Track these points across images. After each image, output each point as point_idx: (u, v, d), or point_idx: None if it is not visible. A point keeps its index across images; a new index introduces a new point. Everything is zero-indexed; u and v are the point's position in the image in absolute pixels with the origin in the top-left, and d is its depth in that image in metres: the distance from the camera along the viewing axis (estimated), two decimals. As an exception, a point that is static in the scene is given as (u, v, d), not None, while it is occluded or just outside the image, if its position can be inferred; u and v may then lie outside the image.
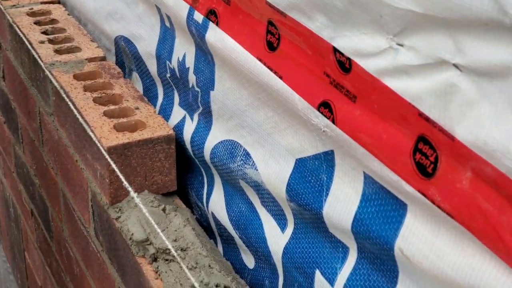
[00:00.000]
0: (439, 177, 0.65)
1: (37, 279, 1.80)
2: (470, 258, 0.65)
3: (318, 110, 0.79)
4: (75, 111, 1.17)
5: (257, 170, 0.95)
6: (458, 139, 0.63)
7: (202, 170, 1.12)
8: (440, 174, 0.65)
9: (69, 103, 1.19)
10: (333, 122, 0.77)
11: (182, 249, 0.98)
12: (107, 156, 1.07)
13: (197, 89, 1.07)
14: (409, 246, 0.71)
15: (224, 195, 1.06)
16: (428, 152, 0.66)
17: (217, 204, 1.08)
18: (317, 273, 0.87)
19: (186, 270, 0.88)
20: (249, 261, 1.03)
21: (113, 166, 1.06)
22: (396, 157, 0.70)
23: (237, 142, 1.00)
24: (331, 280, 0.84)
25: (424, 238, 0.70)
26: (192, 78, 1.07)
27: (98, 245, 1.22)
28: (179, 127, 1.15)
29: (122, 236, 1.08)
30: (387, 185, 0.73)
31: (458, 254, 0.66)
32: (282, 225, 0.94)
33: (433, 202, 0.67)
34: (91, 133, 1.11)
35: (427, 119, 0.66)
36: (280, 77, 0.85)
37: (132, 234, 1.03)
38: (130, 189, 1.01)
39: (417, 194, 0.68)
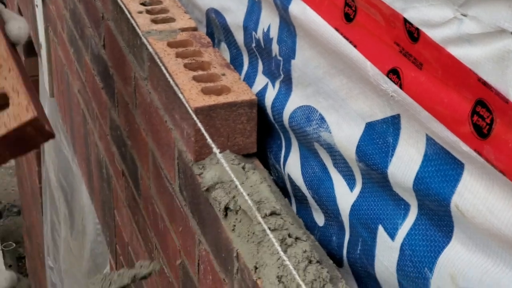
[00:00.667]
0: (494, 137, 0.71)
1: (124, 236, 1.93)
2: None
3: (387, 76, 0.86)
4: (167, 75, 1.27)
5: (330, 133, 1.02)
6: (512, 102, 0.68)
7: (281, 134, 1.20)
8: (494, 135, 0.71)
9: (162, 68, 1.29)
10: (400, 87, 0.84)
11: (257, 202, 1.06)
12: (194, 116, 1.16)
13: (279, 58, 1.15)
14: (464, 202, 0.77)
15: (300, 157, 1.14)
16: (485, 115, 0.72)
17: (293, 165, 1.16)
18: (380, 228, 0.94)
19: (260, 219, 0.97)
20: (319, 219, 1.11)
21: (199, 125, 1.15)
22: (456, 119, 0.76)
23: (314, 108, 1.07)
24: (392, 235, 0.91)
25: (479, 194, 0.76)
26: (275, 48, 1.15)
27: (182, 200, 1.32)
28: (261, 94, 1.23)
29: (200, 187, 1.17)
30: (447, 146, 0.79)
31: (509, 209, 0.72)
32: (351, 185, 1.01)
33: (488, 161, 0.72)
34: (180, 95, 1.21)
35: (485, 83, 0.71)
36: (355, 46, 0.92)
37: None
38: (213, 146, 1.10)
39: (473, 153, 0.74)
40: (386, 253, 0.92)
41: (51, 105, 2.96)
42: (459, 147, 0.76)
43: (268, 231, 0.98)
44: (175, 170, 1.33)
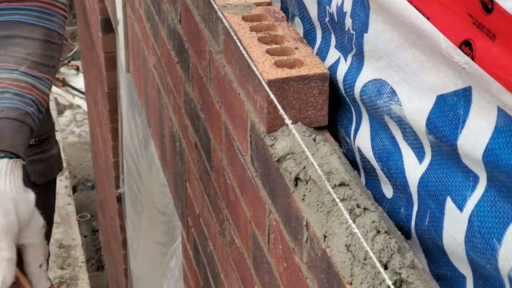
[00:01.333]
0: None
1: (195, 208, 1.98)
2: None
3: (460, 48, 0.87)
4: (241, 48, 1.30)
5: (401, 106, 1.03)
6: None
7: (352, 107, 1.22)
8: None
9: (237, 41, 1.32)
10: (472, 59, 0.85)
11: (326, 173, 1.08)
12: (267, 88, 1.19)
13: (352, 32, 1.16)
14: (533, 174, 0.78)
15: (370, 130, 1.15)
16: (557, 86, 0.73)
17: (363, 138, 1.17)
18: (448, 200, 0.95)
19: (330, 188, 0.99)
20: (388, 191, 1.12)
21: (272, 97, 1.18)
22: (527, 91, 0.76)
23: (385, 81, 1.08)
24: (461, 206, 0.92)
25: None
26: (348, 22, 1.16)
27: (253, 171, 1.36)
28: (333, 68, 1.25)
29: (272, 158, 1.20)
30: (517, 117, 0.80)
31: None
32: (420, 157, 1.02)
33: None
34: (254, 68, 1.23)
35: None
36: (428, 19, 0.92)
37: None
38: (286, 117, 1.13)
39: (543, 125, 0.75)
40: (454, 225, 0.94)
41: (127, 80, 3.04)
42: (531, 119, 0.77)
43: (337, 201, 1.01)
44: (247, 142, 1.36)
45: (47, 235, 2.15)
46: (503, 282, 0.86)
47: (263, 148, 1.27)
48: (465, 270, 0.95)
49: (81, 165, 7.47)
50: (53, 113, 4.72)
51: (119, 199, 4.20)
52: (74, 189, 6.89)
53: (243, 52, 1.28)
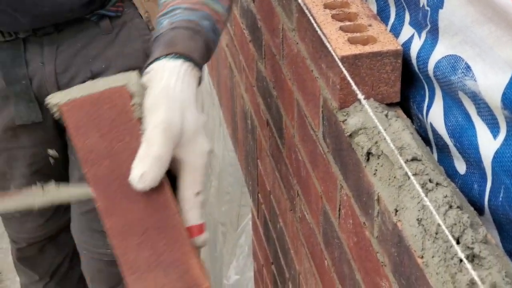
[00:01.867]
0: None
1: (266, 185, 2.00)
2: None
3: (537, 22, 0.86)
4: (315, 25, 1.31)
5: (476, 81, 1.03)
6: None
7: (425, 83, 1.22)
8: None
9: (310, 18, 1.33)
10: (550, 33, 0.84)
11: (398, 148, 1.09)
12: (340, 65, 1.20)
13: (427, 8, 1.16)
14: None
15: (443, 107, 1.16)
16: None
17: (436, 114, 1.18)
18: (524, 176, 0.95)
19: (402, 163, 1.00)
20: (461, 167, 1.12)
21: (345, 73, 1.19)
22: None
23: (460, 56, 1.08)
24: (535, 182, 0.92)
25: None
26: (423, -2, 1.17)
27: (325, 147, 1.37)
28: (406, 44, 1.25)
29: (346, 136, 1.21)
30: None
31: None
32: (495, 133, 1.02)
33: None
34: (327, 44, 1.25)
35: None
36: (505, -7, 0.92)
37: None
38: (358, 93, 1.14)
39: None
40: (528, 200, 0.94)
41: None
42: None
43: (410, 175, 1.02)
44: (319, 118, 1.38)
45: None
46: None
47: (335, 124, 1.28)
48: (538, 246, 0.95)
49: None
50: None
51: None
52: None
53: (317, 29, 1.30)
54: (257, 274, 2.37)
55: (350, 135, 1.20)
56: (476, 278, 0.86)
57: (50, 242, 2.33)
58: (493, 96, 0.99)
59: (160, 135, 1.08)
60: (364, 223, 1.21)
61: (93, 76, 1.86)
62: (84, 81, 1.86)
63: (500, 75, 0.98)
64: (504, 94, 0.97)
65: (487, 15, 0.99)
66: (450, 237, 0.93)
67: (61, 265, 2.41)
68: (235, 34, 2.15)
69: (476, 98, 1.05)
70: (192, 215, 1.11)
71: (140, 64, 1.90)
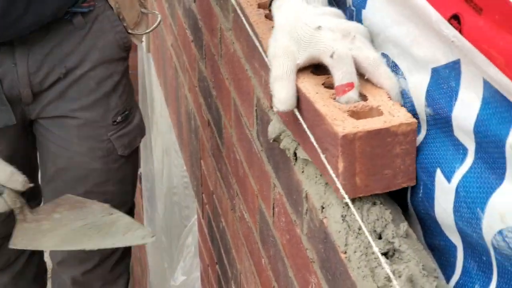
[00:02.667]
0: (542, 79, 0.74)
1: (209, 185, 2.01)
2: None
3: (449, 22, 0.89)
4: (247, 25, 1.33)
5: (405, 79, 1.06)
6: (560, 43, 0.71)
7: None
8: (543, 77, 0.74)
9: (243, 18, 1.35)
10: (460, 32, 0.87)
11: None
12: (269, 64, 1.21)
13: (352, 8, 1.18)
14: (517, 143, 0.80)
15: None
16: (535, 57, 0.75)
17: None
18: (438, 172, 0.97)
19: (324, 160, 1.02)
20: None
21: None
22: (508, 62, 0.78)
23: (387, 54, 1.10)
24: (449, 178, 0.95)
25: None
26: (350, -2, 1.19)
27: (259, 146, 1.39)
28: (338, 43, 1.27)
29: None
30: (501, 89, 0.82)
31: None
32: (417, 133, 1.05)
33: (536, 102, 0.75)
34: (258, 44, 1.26)
35: (537, 26, 0.74)
36: (421, -7, 0.94)
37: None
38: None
39: (524, 95, 0.77)
40: (444, 196, 0.96)
41: (147, 60, 3.08)
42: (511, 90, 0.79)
43: (331, 173, 1.03)
44: (253, 117, 1.39)
45: (134, 192, 2.24)
46: (488, 250, 0.89)
47: (267, 123, 1.30)
48: (456, 239, 0.98)
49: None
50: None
51: (140, 178, 4.26)
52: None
53: (249, 28, 1.31)
54: (203, 274, 2.38)
55: (275, 140, 1.21)
56: (389, 272, 0.89)
57: (8, 239, 2.29)
58: (420, 93, 1.02)
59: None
60: (295, 220, 1.23)
61: (68, 72, 1.88)
62: (58, 78, 1.88)
63: (422, 73, 1.01)
64: (427, 91, 0.99)
65: (405, 15, 1.01)
66: (367, 233, 0.95)
67: (17, 261, 2.37)
68: (179, 34, 2.16)
69: (404, 97, 1.07)
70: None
71: (114, 56, 1.91)
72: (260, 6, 1.39)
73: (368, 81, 1.09)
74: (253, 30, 1.31)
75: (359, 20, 1.16)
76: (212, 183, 1.97)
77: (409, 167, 1.02)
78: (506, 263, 0.87)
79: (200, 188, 2.17)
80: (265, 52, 1.24)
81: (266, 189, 1.38)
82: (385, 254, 1.00)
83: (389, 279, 0.92)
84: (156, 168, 3.30)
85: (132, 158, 2.08)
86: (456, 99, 0.93)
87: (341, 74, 1.03)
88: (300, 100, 1.09)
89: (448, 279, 1.02)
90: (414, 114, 1.04)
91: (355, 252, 1.00)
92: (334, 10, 1.11)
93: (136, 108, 2.07)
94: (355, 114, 1.03)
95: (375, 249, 0.92)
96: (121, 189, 2.08)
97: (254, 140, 1.41)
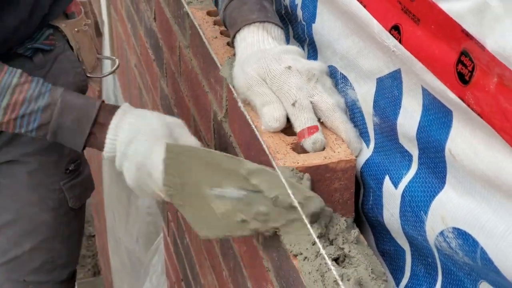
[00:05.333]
0: (474, 84, 0.77)
1: (174, 202, 2.03)
2: (496, 152, 0.76)
3: (390, 32, 0.92)
4: (205, 41, 1.36)
5: (354, 90, 1.09)
6: (488, 49, 0.74)
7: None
8: (474, 81, 0.77)
9: (201, 34, 1.38)
10: (400, 42, 0.90)
11: (273, 154, 1.13)
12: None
13: (303, 22, 1.22)
14: (456, 147, 0.84)
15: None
16: (467, 63, 0.78)
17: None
18: (386, 179, 1.00)
19: (278, 170, 1.04)
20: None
21: (230, 85, 1.23)
22: (444, 69, 0.82)
23: (335, 67, 1.14)
24: (396, 184, 0.98)
25: (466, 139, 0.82)
26: (299, 13, 1.22)
27: (217, 159, 1.41)
28: (291, 58, 1.30)
29: (232, 146, 1.26)
30: (438, 95, 0.85)
31: (488, 150, 0.78)
32: (367, 141, 1.08)
33: (469, 106, 0.78)
34: (215, 58, 1.29)
35: (467, 34, 0.77)
36: (364, 6, 0.98)
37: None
38: (240, 105, 1.18)
39: (458, 100, 0.80)
40: (391, 201, 0.99)
41: (113, 81, 3.10)
42: (447, 95, 0.82)
43: (286, 185, 1.06)
44: (211, 132, 1.42)
45: (80, 252, 2.12)
46: (433, 252, 0.92)
47: (224, 136, 1.32)
48: (404, 243, 1.01)
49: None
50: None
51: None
52: (71, 194, 6.93)
53: (206, 44, 1.34)
54: (170, 292, 2.39)
55: (235, 145, 1.24)
56: (337, 276, 0.91)
57: None
58: (367, 104, 1.05)
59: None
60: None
61: None
62: None
63: (369, 83, 1.04)
64: (375, 101, 1.03)
65: (350, 28, 1.05)
66: (317, 240, 0.97)
67: None
68: (141, 54, 2.18)
69: (353, 107, 1.10)
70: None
71: None
72: (215, 23, 1.42)
73: None
74: (209, 45, 1.34)
75: (310, 34, 1.19)
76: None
77: (347, 201, 1.06)
78: (449, 263, 0.90)
79: (166, 206, 2.18)
80: (221, 65, 1.27)
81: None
82: (336, 260, 1.03)
83: (337, 283, 0.95)
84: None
85: (80, 213, 1.96)
86: (400, 107, 0.97)
87: (304, 119, 1.07)
88: (250, 130, 1.13)
89: (398, 283, 1.04)
90: (363, 124, 1.08)
91: (306, 258, 1.03)
92: (297, 49, 1.16)
93: (85, 160, 1.96)
94: (298, 148, 1.07)
95: (324, 255, 0.95)
96: (69, 247, 1.94)
97: (213, 154, 1.44)
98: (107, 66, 2.95)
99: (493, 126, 0.75)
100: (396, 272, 1.05)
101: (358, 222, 1.13)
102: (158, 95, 1.99)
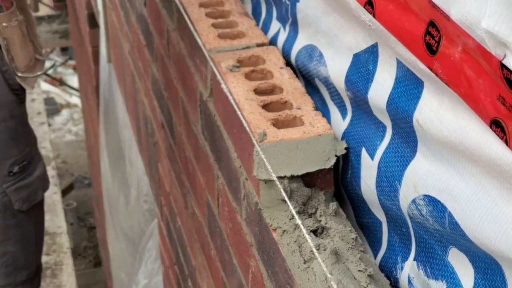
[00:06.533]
0: (440, 53, 0.79)
1: (166, 187, 2.05)
2: (461, 120, 0.78)
3: (364, 7, 0.94)
4: (189, 23, 1.38)
5: (326, 67, 1.11)
6: (452, 19, 0.76)
7: (289, 74, 1.29)
8: (441, 51, 0.79)
9: (186, 17, 1.40)
10: (374, 16, 0.92)
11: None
12: (207, 56, 1.27)
13: (288, 2, 1.24)
14: (423, 116, 0.86)
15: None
16: (434, 34, 0.80)
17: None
18: (363, 151, 1.03)
19: (258, 147, 1.06)
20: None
21: (211, 65, 1.25)
22: (414, 41, 0.84)
23: (315, 46, 1.16)
24: (372, 155, 1.00)
25: (433, 107, 0.84)
26: (284, -7, 1.24)
27: (203, 139, 1.43)
28: (275, 38, 1.32)
29: (217, 124, 1.28)
30: (410, 66, 0.88)
31: (453, 117, 0.80)
32: (344, 114, 1.10)
33: (437, 75, 0.81)
34: (199, 40, 1.31)
35: (434, 5, 0.79)
36: (341, -18, 1.00)
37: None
38: (223, 85, 1.20)
39: (428, 70, 0.82)
40: (368, 172, 1.01)
41: (109, 70, 3.12)
42: (418, 66, 0.84)
43: (263, 157, 1.08)
44: (197, 112, 1.44)
45: (39, 252, 2.05)
46: (407, 221, 0.94)
47: (209, 116, 1.35)
48: (380, 215, 1.03)
49: (78, 163, 7.55)
50: (39, 124, 4.72)
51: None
52: (72, 186, 6.98)
53: (191, 26, 1.36)
54: (165, 276, 2.41)
55: (219, 124, 1.26)
56: (312, 246, 0.93)
57: None
58: (339, 79, 1.07)
59: None
60: (235, 208, 1.28)
61: None
62: None
63: (344, 59, 1.06)
64: (346, 76, 1.05)
65: (332, 6, 1.07)
66: (294, 212, 0.99)
67: None
68: (134, 41, 2.20)
69: (328, 83, 1.13)
70: None
71: (5, 98, 1.75)
72: (201, 5, 1.44)
73: (297, 89, 1.15)
74: (194, 27, 1.36)
75: (294, 13, 1.22)
76: (168, 184, 2.01)
77: (326, 175, 1.08)
78: (422, 232, 0.92)
79: (159, 190, 2.21)
80: (204, 46, 1.29)
81: (211, 181, 1.43)
82: (314, 232, 1.05)
83: (314, 252, 0.97)
84: (129, 175, 3.30)
85: (33, 214, 1.91)
86: (372, 81, 0.99)
87: None
88: (232, 108, 1.15)
89: (376, 254, 1.07)
90: (340, 98, 1.10)
91: (285, 231, 1.05)
92: None
93: (38, 159, 1.92)
94: (279, 123, 1.10)
95: (301, 226, 0.97)
96: (23, 249, 1.90)
97: (200, 135, 1.46)
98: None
99: (458, 94, 0.78)
100: (374, 244, 1.07)
101: (338, 196, 1.15)
102: (149, 80, 2.01)
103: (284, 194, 1.02)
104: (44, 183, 1.95)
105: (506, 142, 0.71)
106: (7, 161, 1.80)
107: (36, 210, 1.94)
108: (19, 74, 1.74)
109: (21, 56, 1.74)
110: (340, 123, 1.11)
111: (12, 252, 1.89)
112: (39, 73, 1.83)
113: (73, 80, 8.37)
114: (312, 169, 1.06)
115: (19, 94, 1.81)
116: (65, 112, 8.24)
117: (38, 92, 5.62)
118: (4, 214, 1.84)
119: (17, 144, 1.83)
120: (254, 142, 1.07)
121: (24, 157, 1.83)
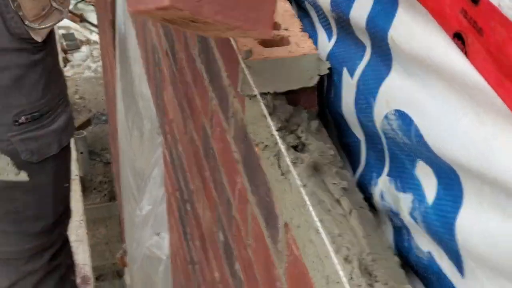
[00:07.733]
0: (413, -32, 0.81)
1: (169, 114, 2.09)
2: (428, 35, 0.81)
3: None
4: None
5: None
6: None
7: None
8: (414, -34, 0.81)
9: None
10: None
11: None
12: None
13: None
14: (397, 33, 0.88)
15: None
16: (409, -51, 0.82)
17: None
18: (344, 70, 1.05)
19: (242, 64, 1.10)
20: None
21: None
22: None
23: (306, -29, 1.18)
24: (352, 74, 1.03)
25: (407, 24, 0.86)
26: None
27: (200, 62, 1.46)
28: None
29: (211, 46, 1.31)
30: (387, -16, 0.90)
31: (423, 33, 0.82)
32: (329, 36, 1.13)
33: (410, -8, 0.83)
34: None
35: None
36: None
37: None
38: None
39: (402, -13, 0.84)
40: (348, 91, 1.04)
41: (123, 3, 3.14)
42: (393, -18, 0.86)
43: (247, 75, 1.11)
44: (195, 35, 1.47)
45: (58, 204, 2.00)
46: (381, 137, 0.97)
47: (204, 37, 1.37)
48: (359, 133, 1.06)
49: (96, 99, 7.61)
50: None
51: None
52: (89, 122, 7.07)
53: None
54: (168, 203, 2.47)
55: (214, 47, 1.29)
56: (288, 160, 0.97)
57: None
58: (325, 0, 1.09)
59: None
60: (225, 127, 1.31)
61: None
62: None
63: (331, -20, 1.08)
64: None
65: None
66: (273, 127, 1.03)
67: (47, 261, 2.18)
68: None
69: (315, 5, 1.15)
70: None
71: (6, 45, 1.68)
72: None
73: (286, 12, 1.17)
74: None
75: None
76: (171, 111, 2.05)
77: (310, 94, 1.11)
78: (394, 147, 0.95)
79: (164, 118, 2.25)
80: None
81: (206, 103, 1.46)
82: (295, 148, 1.08)
83: (291, 165, 1.01)
84: (142, 108, 3.34)
85: (49, 166, 1.87)
86: (354, 1, 1.01)
87: None
88: None
89: (355, 172, 1.10)
90: (326, 20, 1.13)
91: (267, 146, 1.09)
92: None
93: (61, 112, 1.86)
94: (266, 42, 1.12)
95: (278, 140, 1.01)
96: (36, 200, 1.87)
97: (196, 58, 1.49)
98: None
99: (427, 8, 0.80)
100: (354, 162, 1.11)
101: (324, 118, 1.19)
102: (156, 8, 2.03)
103: (265, 109, 1.05)
104: (61, 137, 1.88)
105: (466, 54, 0.73)
106: (13, 110, 1.75)
107: (53, 162, 1.89)
108: (26, 24, 1.66)
109: (29, 5, 1.65)
110: (326, 44, 1.13)
111: (22, 200, 1.86)
112: (48, 24, 1.73)
113: (94, 17, 8.39)
114: (295, 87, 1.09)
115: (27, 42, 1.73)
116: (84, 49, 8.28)
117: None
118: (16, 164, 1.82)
119: (26, 94, 1.76)
120: (240, 59, 1.10)
121: (36, 107, 1.77)
